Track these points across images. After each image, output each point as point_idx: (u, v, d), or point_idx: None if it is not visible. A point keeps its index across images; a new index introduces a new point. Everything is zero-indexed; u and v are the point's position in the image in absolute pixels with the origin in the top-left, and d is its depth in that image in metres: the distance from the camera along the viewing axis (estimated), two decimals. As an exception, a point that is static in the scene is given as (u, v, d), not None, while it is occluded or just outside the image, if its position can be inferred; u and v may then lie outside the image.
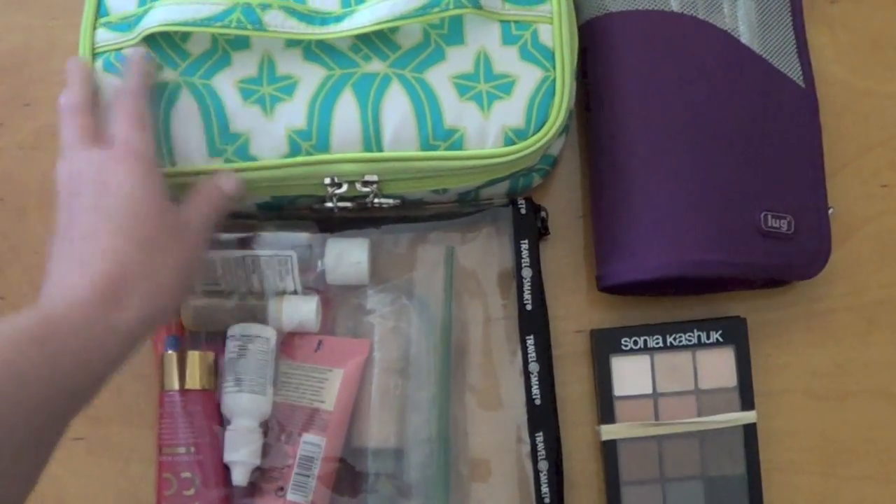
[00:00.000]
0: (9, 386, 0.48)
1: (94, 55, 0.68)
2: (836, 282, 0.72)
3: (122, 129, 0.62)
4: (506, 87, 0.65)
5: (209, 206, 0.63)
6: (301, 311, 0.68)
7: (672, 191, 0.67)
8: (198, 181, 0.65)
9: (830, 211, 0.71)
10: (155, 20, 0.65)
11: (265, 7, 0.65)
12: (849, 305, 0.72)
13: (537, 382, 0.68)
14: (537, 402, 0.68)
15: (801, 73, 0.72)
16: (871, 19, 0.75)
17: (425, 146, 0.65)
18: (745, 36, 0.71)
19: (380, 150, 0.65)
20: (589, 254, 0.72)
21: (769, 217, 0.68)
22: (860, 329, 0.71)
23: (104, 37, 0.68)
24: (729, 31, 0.71)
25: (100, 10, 0.68)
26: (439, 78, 0.65)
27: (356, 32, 0.64)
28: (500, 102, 0.65)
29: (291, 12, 0.65)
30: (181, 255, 0.59)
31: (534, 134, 0.65)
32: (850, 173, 0.73)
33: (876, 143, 0.74)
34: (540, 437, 0.67)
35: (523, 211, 0.70)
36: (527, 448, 0.67)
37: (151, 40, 0.66)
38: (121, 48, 0.67)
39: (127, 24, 0.67)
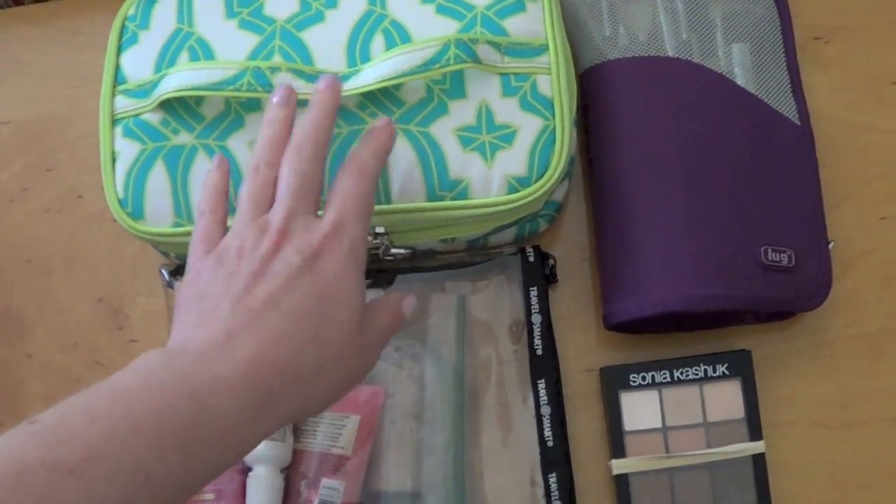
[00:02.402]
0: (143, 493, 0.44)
1: (114, 122, 0.71)
2: (839, 313, 0.73)
3: (339, 208, 0.56)
4: (507, 137, 0.67)
5: (391, 330, 0.59)
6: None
7: (673, 229, 0.69)
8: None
9: (831, 245, 0.73)
10: (170, 86, 0.68)
11: (274, 70, 0.68)
12: (853, 336, 0.73)
13: (549, 425, 0.70)
14: (550, 444, 0.69)
15: (796, 111, 0.74)
16: (864, 57, 0.78)
17: (432, 197, 0.67)
18: (741, 78, 0.73)
19: (388, 202, 0.67)
20: (596, 295, 0.74)
21: (769, 251, 0.70)
22: (865, 358, 0.73)
23: (122, 104, 0.71)
24: (724, 73, 0.73)
25: (118, 78, 0.71)
26: (443, 131, 0.67)
27: (362, 91, 0.67)
28: (503, 152, 0.67)
29: (299, 74, 0.68)
30: (350, 371, 0.55)
31: (536, 181, 0.67)
32: (849, 207, 0.75)
33: (874, 177, 0.76)
34: (553, 478, 0.69)
35: (531, 259, 0.72)
36: (541, 490, 0.69)
37: (167, 105, 0.69)
38: (139, 114, 0.70)
39: (144, 90, 0.70)
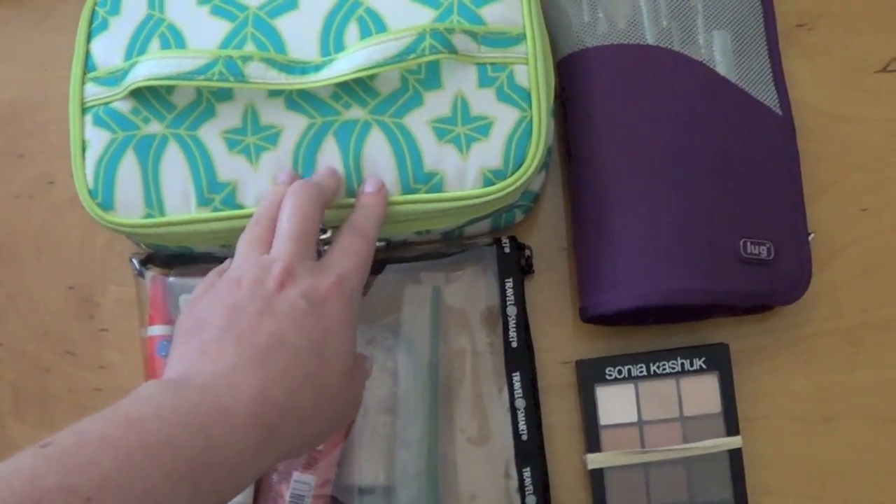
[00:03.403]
0: None
1: (84, 110, 0.69)
2: (818, 306, 0.73)
3: (341, 262, 0.59)
4: (483, 128, 0.66)
5: (364, 379, 0.61)
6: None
7: (651, 221, 0.68)
8: (188, 231, 0.66)
9: (811, 236, 0.72)
10: (140, 74, 0.67)
11: (246, 59, 0.66)
12: (832, 329, 0.73)
13: (524, 418, 0.69)
14: (524, 437, 0.69)
15: (777, 100, 0.73)
16: (848, 46, 0.77)
17: (406, 190, 0.66)
18: (721, 66, 0.72)
19: (363, 194, 0.66)
20: (573, 286, 0.74)
21: (748, 244, 0.69)
22: (844, 352, 0.72)
23: (93, 91, 0.69)
24: (704, 61, 0.72)
25: (88, 65, 0.70)
26: (418, 122, 0.66)
27: (335, 81, 0.65)
28: (479, 144, 0.66)
29: (272, 63, 0.67)
30: (339, 415, 0.56)
31: (512, 174, 0.66)
32: (830, 198, 0.74)
33: (855, 168, 0.75)
34: (527, 473, 0.68)
35: (507, 250, 0.71)
36: (515, 483, 0.69)
37: (138, 94, 0.68)
38: (109, 102, 0.69)
39: (114, 78, 0.69)
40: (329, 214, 0.66)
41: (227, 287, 0.56)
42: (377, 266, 0.72)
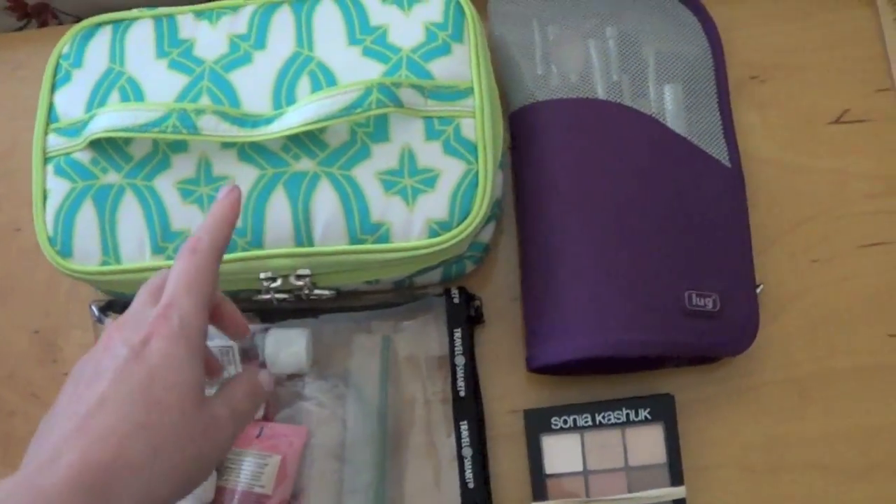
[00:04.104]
0: None
1: (46, 160, 0.71)
2: (767, 356, 0.73)
3: (170, 289, 0.56)
4: (429, 181, 0.67)
5: (249, 401, 0.58)
6: (243, 398, 0.71)
7: (596, 272, 0.69)
8: (143, 278, 0.67)
9: (760, 288, 0.73)
10: (99, 126, 0.69)
11: (199, 112, 0.68)
12: (781, 379, 0.73)
13: (471, 466, 0.70)
14: (470, 485, 0.70)
15: (727, 153, 0.74)
16: (800, 97, 0.77)
17: (354, 240, 0.68)
18: (671, 120, 0.73)
19: (311, 245, 0.68)
20: (523, 335, 0.74)
21: (694, 296, 0.70)
22: (792, 403, 0.73)
23: (54, 142, 0.71)
24: (654, 115, 0.73)
25: (51, 116, 0.72)
26: (366, 174, 0.68)
27: (285, 133, 0.67)
28: (424, 196, 0.67)
29: (225, 116, 0.68)
30: (195, 454, 0.53)
31: (457, 225, 0.67)
32: (781, 249, 0.75)
33: (807, 219, 0.75)
34: (472, 520, 0.69)
35: (456, 300, 0.72)
36: (461, 530, 0.70)
37: (97, 144, 0.70)
38: (69, 152, 0.71)
39: (75, 129, 0.71)
40: (283, 262, 0.67)
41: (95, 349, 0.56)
42: (313, 314, 0.73)
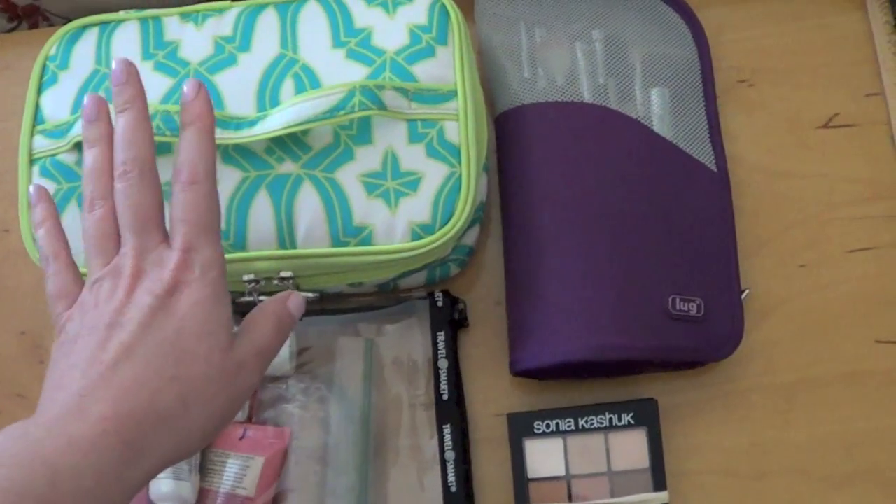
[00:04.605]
0: None
1: (32, 161, 0.71)
2: (752, 362, 0.73)
3: (183, 230, 0.55)
4: (412, 184, 0.67)
5: (276, 335, 0.57)
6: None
7: (579, 276, 0.69)
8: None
9: (745, 293, 0.72)
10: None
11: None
12: (765, 385, 0.73)
13: (453, 470, 0.70)
14: (453, 489, 0.70)
15: (713, 157, 0.74)
16: (788, 101, 0.77)
17: (336, 243, 0.67)
18: (657, 124, 0.73)
19: (293, 247, 0.68)
20: (507, 339, 0.74)
21: (678, 300, 0.69)
22: (777, 408, 0.72)
23: (40, 143, 0.71)
24: (641, 118, 0.73)
25: (37, 117, 0.72)
26: (348, 177, 0.68)
27: (268, 136, 0.67)
28: (407, 199, 0.67)
29: (207, 119, 0.68)
30: (223, 402, 0.53)
31: (440, 228, 0.67)
32: (768, 254, 0.75)
33: (794, 224, 0.75)
34: (454, 524, 0.69)
35: (440, 304, 0.72)
36: (443, 535, 0.70)
37: (82, 146, 0.70)
38: (55, 154, 0.71)
39: (60, 131, 0.71)
40: (266, 265, 0.67)
41: (85, 305, 0.55)
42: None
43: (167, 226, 0.57)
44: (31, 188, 0.63)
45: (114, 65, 0.59)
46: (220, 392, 0.52)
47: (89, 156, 0.59)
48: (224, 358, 0.53)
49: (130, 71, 0.59)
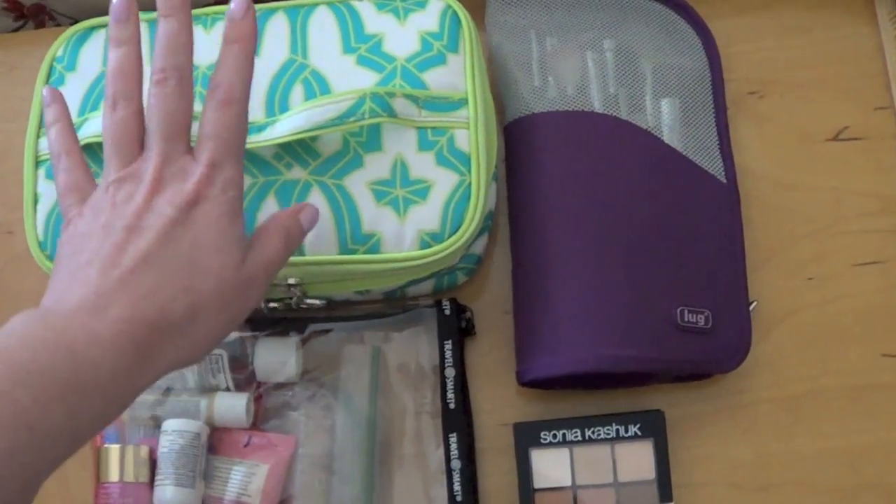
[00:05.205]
0: (27, 449, 0.45)
1: (38, 163, 0.71)
2: (759, 374, 0.73)
3: (210, 146, 0.55)
4: (422, 192, 0.67)
5: (285, 248, 0.59)
6: (232, 408, 0.70)
7: (588, 287, 0.69)
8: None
9: (753, 304, 0.72)
10: (92, 131, 0.68)
11: (193, 119, 0.68)
12: (772, 398, 0.72)
13: (459, 479, 0.70)
14: (459, 498, 0.69)
15: (723, 168, 0.74)
16: (797, 114, 0.77)
17: (344, 250, 0.67)
18: (667, 134, 0.73)
19: (301, 254, 0.67)
20: (514, 349, 0.74)
21: (686, 312, 0.69)
22: (783, 421, 0.72)
23: (46, 146, 0.71)
24: (651, 129, 0.73)
25: (43, 120, 0.72)
26: (357, 184, 0.67)
27: (277, 142, 0.67)
28: (416, 207, 0.67)
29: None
30: (228, 317, 0.55)
31: (449, 237, 0.67)
32: (775, 266, 0.75)
33: (802, 236, 0.75)
34: (460, 534, 0.69)
35: (447, 312, 0.72)
36: (449, 544, 0.69)
37: (88, 149, 0.69)
38: (61, 156, 0.70)
39: (67, 133, 0.70)
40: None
41: (100, 203, 0.55)
42: (300, 326, 0.73)
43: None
44: (45, 90, 0.63)
45: None
46: (228, 306, 0.54)
47: (115, 54, 0.58)
48: (235, 273, 0.54)
49: None
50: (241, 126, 0.57)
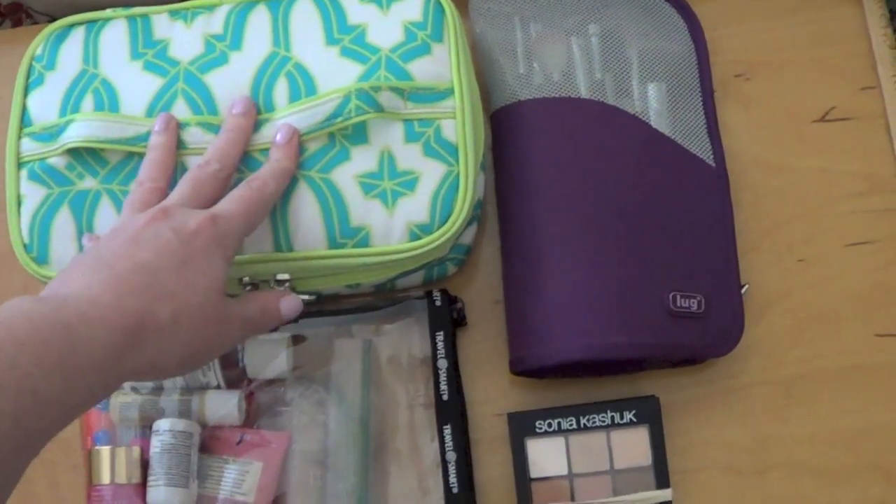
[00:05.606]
0: (29, 411, 0.48)
1: (20, 164, 0.70)
2: (752, 357, 0.73)
3: (224, 205, 0.62)
4: (409, 183, 0.66)
5: (261, 317, 0.63)
6: (224, 406, 0.70)
7: (579, 274, 0.68)
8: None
9: (745, 288, 0.72)
10: (77, 135, 0.68)
11: (184, 125, 0.67)
12: (766, 380, 0.72)
13: (454, 470, 0.69)
14: (455, 490, 0.69)
15: (711, 152, 0.73)
16: (784, 95, 0.77)
17: (333, 244, 0.67)
18: (654, 119, 0.72)
19: (290, 249, 0.67)
20: (506, 338, 0.74)
21: (678, 297, 0.69)
22: (778, 403, 0.72)
23: (28, 146, 0.70)
24: (638, 114, 0.72)
25: (24, 120, 0.71)
26: (345, 178, 0.67)
27: (262, 147, 0.66)
28: (404, 199, 0.66)
29: (208, 127, 0.67)
30: (204, 337, 0.58)
31: (438, 228, 0.66)
32: (766, 249, 0.74)
33: (792, 218, 0.75)
34: (457, 525, 0.69)
35: (438, 303, 0.71)
36: (445, 535, 0.69)
37: (73, 150, 0.68)
38: (44, 158, 0.69)
39: (49, 134, 0.70)
40: (262, 268, 0.67)
41: (115, 230, 0.60)
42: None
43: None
44: (163, 115, 0.68)
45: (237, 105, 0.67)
46: (207, 326, 0.58)
47: (152, 153, 0.67)
48: (217, 301, 0.59)
49: (248, 106, 0.67)
50: (261, 210, 0.63)
